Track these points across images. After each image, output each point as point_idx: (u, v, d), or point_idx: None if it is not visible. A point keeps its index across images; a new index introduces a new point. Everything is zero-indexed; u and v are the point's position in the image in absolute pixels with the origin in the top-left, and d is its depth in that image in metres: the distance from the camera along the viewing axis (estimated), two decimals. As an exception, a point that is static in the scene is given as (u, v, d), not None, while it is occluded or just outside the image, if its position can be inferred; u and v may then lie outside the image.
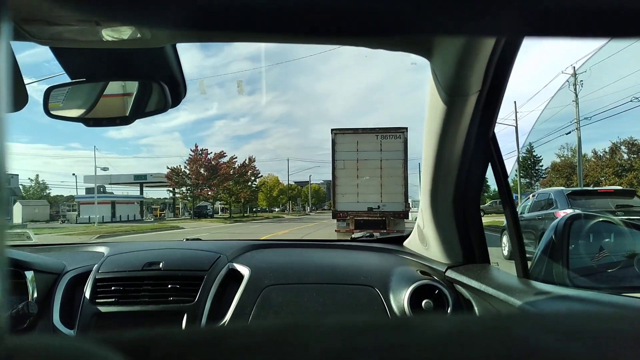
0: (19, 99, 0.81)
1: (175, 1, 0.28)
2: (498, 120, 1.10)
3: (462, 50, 0.84)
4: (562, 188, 8.56)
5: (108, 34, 0.74)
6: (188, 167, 34.81)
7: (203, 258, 1.50)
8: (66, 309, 1.36)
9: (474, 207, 1.27)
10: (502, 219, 8.36)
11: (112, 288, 1.36)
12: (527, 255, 1.12)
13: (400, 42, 0.88)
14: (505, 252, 7.84)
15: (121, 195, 39.61)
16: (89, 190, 34.77)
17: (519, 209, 8.15)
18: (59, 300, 1.36)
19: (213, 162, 34.99)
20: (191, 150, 35.42)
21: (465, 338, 0.33)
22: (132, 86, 0.99)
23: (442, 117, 1.04)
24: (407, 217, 11.43)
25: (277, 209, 60.44)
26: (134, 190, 42.44)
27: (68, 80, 0.96)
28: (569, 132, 20.84)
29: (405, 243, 1.78)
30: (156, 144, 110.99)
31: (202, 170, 34.44)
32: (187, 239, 1.96)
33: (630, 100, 18.68)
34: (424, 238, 1.49)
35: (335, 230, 11.74)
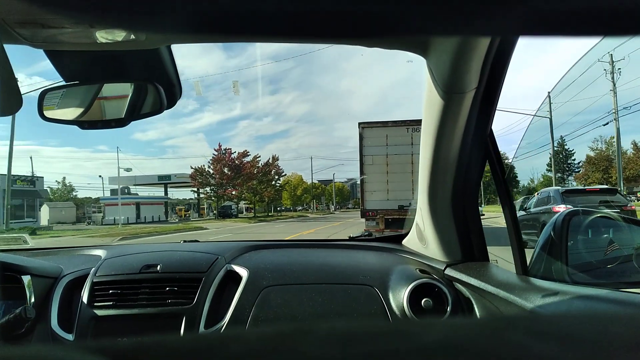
0: (13, 102, 0.80)
1: (169, 3, 0.28)
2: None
3: (459, 48, 0.84)
4: (559, 187, 10.06)
5: (102, 36, 0.74)
6: (212, 167, 34.56)
7: (201, 260, 1.49)
8: (64, 313, 1.35)
9: (472, 205, 1.27)
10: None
11: (110, 291, 1.35)
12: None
13: (397, 40, 0.87)
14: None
15: (146, 196, 39.68)
16: (113, 192, 34.51)
17: (529, 205, 9.46)
18: (57, 305, 1.36)
19: (237, 162, 34.70)
20: (214, 149, 35.20)
21: (463, 343, 0.32)
22: (127, 88, 0.99)
23: (440, 115, 1.04)
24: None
25: (300, 208, 59.87)
26: (159, 191, 42.31)
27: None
28: (607, 124, 19.53)
29: (404, 242, 1.77)
30: (181, 145, 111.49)
31: (225, 170, 34.18)
32: (185, 241, 1.95)
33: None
34: (422, 236, 1.49)
35: (364, 230, 10.71)
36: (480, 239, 1.31)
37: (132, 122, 0.99)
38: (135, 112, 0.98)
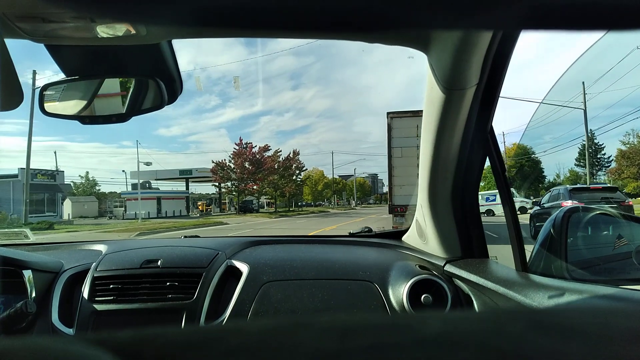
0: (14, 97, 0.80)
1: None
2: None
3: (459, 43, 0.84)
4: (567, 186, 11.47)
5: (103, 31, 0.74)
6: (233, 161, 34.11)
7: (201, 255, 1.49)
8: (65, 307, 1.36)
9: (472, 201, 1.27)
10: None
11: (111, 286, 1.35)
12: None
13: (398, 36, 0.87)
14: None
15: (167, 191, 39.14)
16: (134, 186, 34.02)
17: (543, 200, 10.46)
18: (58, 299, 1.36)
19: (258, 156, 34.21)
20: (235, 144, 34.85)
21: (461, 337, 0.33)
22: (128, 83, 0.98)
23: (440, 111, 1.04)
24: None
25: (322, 203, 59.35)
26: (181, 186, 41.73)
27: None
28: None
29: (404, 238, 1.78)
30: (204, 141, 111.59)
31: (246, 164, 33.70)
32: (186, 236, 1.95)
33: None
34: (422, 233, 1.49)
35: (393, 227, 9.76)
36: (480, 235, 1.31)
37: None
38: (136, 107, 0.98)
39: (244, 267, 1.44)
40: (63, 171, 32.99)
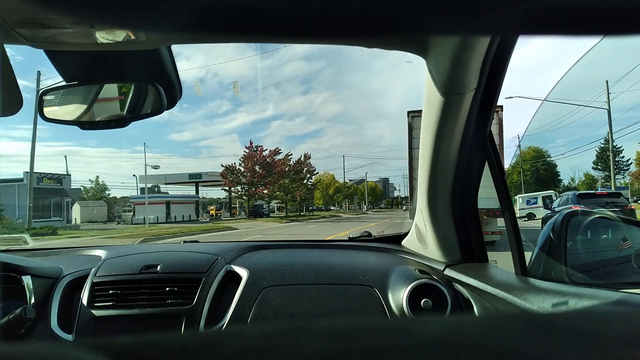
0: (13, 103, 0.81)
1: (169, 4, 0.28)
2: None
3: (458, 48, 0.84)
4: (575, 191, 13.09)
5: (102, 37, 0.74)
6: (243, 165, 33.39)
7: (201, 260, 1.49)
8: (64, 313, 1.35)
9: (472, 206, 1.27)
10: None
11: (110, 292, 1.35)
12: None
13: (396, 40, 0.87)
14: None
15: (176, 195, 38.49)
16: (143, 191, 33.21)
17: (554, 205, 11.68)
18: (57, 305, 1.36)
19: (268, 159, 33.59)
20: (246, 147, 34.15)
21: (460, 341, 0.33)
22: (128, 88, 0.99)
23: (439, 116, 1.04)
24: (505, 216, 9.89)
25: (333, 208, 58.70)
26: (191, 190, 41.10)
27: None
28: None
29: (404, 242, 1.78)
30: (215, 146, 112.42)
31: (257, 168, 32.99)
32: (185, 241, 1.95)
33: None
34: (422, 237, 1.49)
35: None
36: (480, 239, 1.31)
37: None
38: (136, 112, 0.98)
39: (243, 272, 1.44)
40: (70, 175, 32.61)
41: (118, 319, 1.31)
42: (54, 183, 28.79)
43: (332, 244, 1.90)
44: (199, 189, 41.13)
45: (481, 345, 0.32)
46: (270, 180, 33.36)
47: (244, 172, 33.37)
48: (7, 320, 1.20)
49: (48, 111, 0.97)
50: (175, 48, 0.89)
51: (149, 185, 32.23)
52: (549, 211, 10.68)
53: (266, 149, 34.36)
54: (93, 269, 1.44)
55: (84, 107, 0.99)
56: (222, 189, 37.43)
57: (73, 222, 30.47)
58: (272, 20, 0.30)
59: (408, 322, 0.39)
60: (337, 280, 1.41)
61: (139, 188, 35.23)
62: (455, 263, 1.33)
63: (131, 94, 0.98)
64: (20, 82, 0.82)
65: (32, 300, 1.32)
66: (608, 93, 19.53)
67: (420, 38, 0.88)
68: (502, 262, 1.29)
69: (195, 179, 39.04)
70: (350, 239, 1.97)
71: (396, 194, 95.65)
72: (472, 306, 1.21)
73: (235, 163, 34.07)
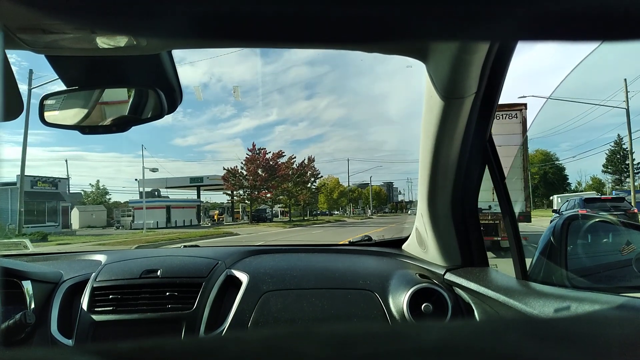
0: (14, 107, 0.81)
1: (169, 8, 0.28)
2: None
3: (458, 53, 0.85)
4: (582, 195, 13.70)
5: (103, 42, 0.74)
6: (245, 168, 32.72)
7: (201, 265, 1.49)
8: (64, 318, 1.35)
9: (472, 210, 1.27)
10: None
11: (110, 296, 1.35)
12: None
13: (396, 45, 0.88)
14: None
15: (177, 200, 37.49)
16: (146, 194, 32.31)
17: (562, 208, 12.40)
18: (57, 310, 1.35)
19: (271, 162, 32.93)
20: (248, 149, 33.46)
21: (461, 345, 0.32)
22: (128, 93, 0.99)
23: (439, 120, 1.04)
24: (529, 221, 8.82)
25: (337, 212, 58.06)
26: (192, 194, 40.53)
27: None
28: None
29: (404, 246, 1.77)
30: (219, 150, 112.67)
31: (259, 171, 32.41)
32: (185, 246, 1.95)
33: None
34: (422, 241, 1.49)
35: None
36: (480, 243, 1.30)
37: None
38: (136, 116, 0.98)
39: (243, 277, 1.44)
40: (68, 178, 32.23)
41: (118, 323, 1.30)
42: (49, 187, 27.92)
43: (332, 248, 1.90)
44: (201, 193, 40.61)
45: (482, 349, 0.32)
46: (273, 184, 32.78)
47: (246, 175, 32.84)
48: (7, 325, 1.20)
49: (49, 116, 0.97)
50: (180, 53, 0.89)
51: (149, 189, 31.63)
52: (557, 215, 10.70)
53: (269, 152, 33.89)
54: (93, 274, 1.44)
55: (85, 111, 0.99)
56: (223, 193, 36.96)
57: (71, 227, 29.93)
58: (273, 25, 0.30)
59: (409, 326, 0.39)
60: (338, 284, 1.40)
61: (139, 192, 34.59)
62: (456, 267, 1.33)
63: (132, 98, 0.99)
64: (20, 86, 0.82)
65: (32, 305, 1.32)
66: (627, 92, 19.11)
67: (420, 43, 0.88)
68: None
69: (197, 183, 38.44)
70: (351, 243, 1.96)
71: (400, 198, 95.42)
72: (473, 310, 1.20)
73: (237, 166, 33.57)
